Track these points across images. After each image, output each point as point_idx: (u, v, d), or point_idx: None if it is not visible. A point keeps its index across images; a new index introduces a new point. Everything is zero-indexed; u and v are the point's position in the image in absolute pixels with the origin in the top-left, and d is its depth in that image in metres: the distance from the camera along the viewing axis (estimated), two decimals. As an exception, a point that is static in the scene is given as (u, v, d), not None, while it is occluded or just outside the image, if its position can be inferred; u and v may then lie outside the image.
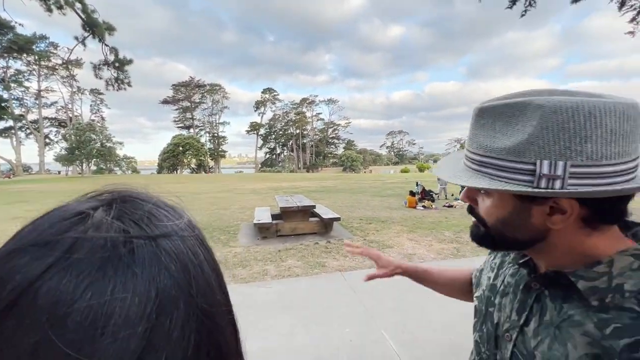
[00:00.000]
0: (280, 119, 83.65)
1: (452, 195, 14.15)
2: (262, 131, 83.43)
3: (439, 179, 14.63)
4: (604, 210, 0.45)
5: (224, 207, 11.80)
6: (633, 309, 0.42)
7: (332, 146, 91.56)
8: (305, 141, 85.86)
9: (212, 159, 73.46)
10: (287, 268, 4.62)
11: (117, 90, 14.42)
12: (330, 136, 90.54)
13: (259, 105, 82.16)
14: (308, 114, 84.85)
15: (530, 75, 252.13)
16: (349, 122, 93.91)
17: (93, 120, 61.18)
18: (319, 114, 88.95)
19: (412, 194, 11.93)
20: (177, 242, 0.25)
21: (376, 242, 6.00)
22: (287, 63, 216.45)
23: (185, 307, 0.22)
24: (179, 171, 61.99)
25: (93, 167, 55.21)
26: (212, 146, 75.12)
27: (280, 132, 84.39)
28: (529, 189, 0.43)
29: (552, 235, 0.49)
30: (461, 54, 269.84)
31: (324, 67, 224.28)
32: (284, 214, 6.67)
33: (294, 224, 6.66)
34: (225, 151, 78.92)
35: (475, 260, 4.86)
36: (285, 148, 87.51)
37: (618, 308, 0.43)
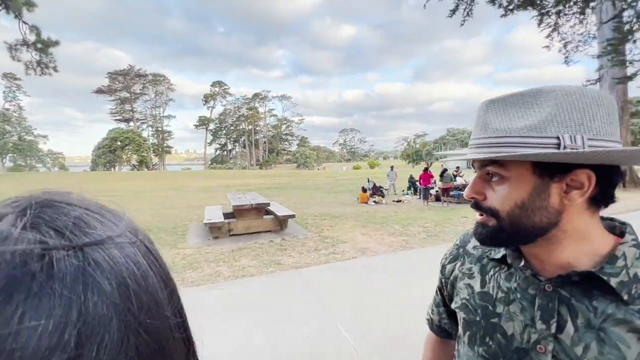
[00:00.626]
0: (231, 113, 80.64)
1: (403, 191, 14.96)
2: (211, 126, 79.69)
3: (388, 176, 15.37)
4: (612, 187, 0.49)
5: (170, 206, 11.05)
6: None
7: (286, 143, 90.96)
8: (258, 137, 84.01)
9: (156, 155, 68.28)
10: (242, 268, 4.48)
11: (41, 75, 12.61)
12: (284, 133, 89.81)
13: (208, 98, 78.22)
14: (261, 110, 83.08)
15: (467, 80, 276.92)
16: (303, 119, 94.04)
17: (8, 110, 52.80)
18: (272, 109, 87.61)
19: (364, 190, 12.36)
20: (111, 251, 0.20)
21: (331, 238, 6.10)
22: (238, 56, 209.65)
23: (121, 329, 0.18)
24: (117, 168, 56.55)
25: (9, 164, 47.82)
26: (155, 141, 69.77)
27: (232, 128, 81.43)
28: (566, 150, 0.45)
29: (564, 221, 0.50)
30: (408, 57, 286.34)
31: (277, 62, 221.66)
32: (237, 213, 6.45)
33: (248, 222, 6.48)
34: (170, 147, 73.94)
35: (423, 252, 5.20)
36: (237, 144, 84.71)
37: None
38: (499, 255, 0.60)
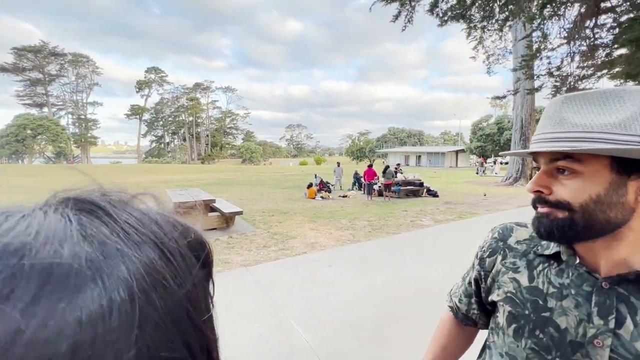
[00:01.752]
0: (169, 103, 74.60)
1: (354, 187, 15.47)
2: (146, 116, 72.85)
3: (334, 172, 15.78)
4: None
5: (97, 204, 9.88)
6: None
7: (230, 137, 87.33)
8: (199, 130, 79.21)
9: (77, 147, 60.21)
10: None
11: None
12: (228, 126, 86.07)
13: (142, 86, 71.23)
14: (203, 101, 78.38)
15: (406, 82, 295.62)
16: (248, 113, 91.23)
17: None
18: (215, 101, 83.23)
19: (310, 185, 12.52)
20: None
21: (280, 234, 6.07)
22: (176, 42, 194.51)
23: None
24: (26, 160, 48.58)
25: None
26: (77, 131, 61.45)
27: (170, 119, 75.45)
28: None
29: (635, 219, 0.51)
30: (352, 56, 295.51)
31: (221, 52, 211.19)
32: (179, 211, 6.04)
33: (191, 220, 6.10)
34: (96, 137, 65.82)
35: (368, 245, 5.48)
36: (175, 137, 78.83)
37: None
38: (548, 252, 0.62)
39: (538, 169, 0.59)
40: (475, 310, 0.78)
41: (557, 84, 8.85)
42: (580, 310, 0.55)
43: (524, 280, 0.63)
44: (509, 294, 0.64)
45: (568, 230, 0.53)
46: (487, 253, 0.71)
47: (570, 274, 0.58)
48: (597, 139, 0.49)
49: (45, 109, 57.87)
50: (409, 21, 10.68)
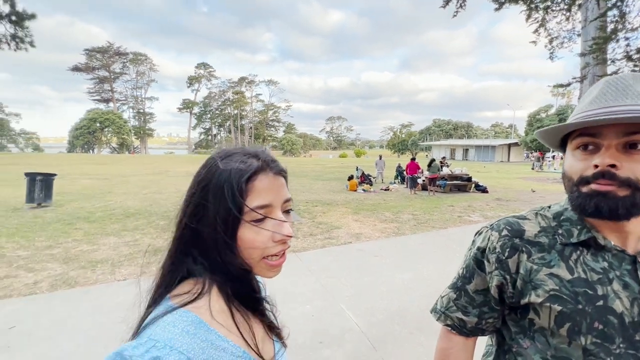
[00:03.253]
0: (216, 97, 78.46)
1: (397, 181, 15.23)
2: (196, 110, 77.43)
3: (376, 164, 15.59)
4: None
5: (157, 190, 10.89)
6: None
7: (272, 129, 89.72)
8: (244, 123, 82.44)
9: (137, 138, 66.04)
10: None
11: (16, 50, 11.86)
12: (271, 118, 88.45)
13: (192, 81, 75.69)
14: (247, 94, 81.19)
15: (452, 71, 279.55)
16: (290, 105, 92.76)
17: (-26, 85, 49.32)
18: (258, 94, 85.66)
19: (351, 177, 12.54)
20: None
21: (324, 224, 6.24)
22: (222, 38, 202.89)
23: None
24: (95, 151, 54.49)
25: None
26: (137, 123, 67.35)
27: (217, 112, 79.44)
28: None
29: None
30: (394, 46, 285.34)
31: (264, 46, 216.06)
32: (231, 198, 6.47)
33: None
34: (153, 130, 71.52)
35: (413, 238, 5.43)
36: (222, 129, 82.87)
37: None
38: (575, 239, 0.61)
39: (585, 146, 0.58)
40: (492, 318, 0.69)
41: (637, 68, 7.84)
42: (631, 290, 0.55)
43: (564, 273, 0.59)
44: (552, 292, 0.59)
45: (631, 209, 0.53)
46: (507, 253, 0.64)
47: (606, 256, 0.58)
48: None
49: (111, 104, 64.26)
50: (461, 6, 10.09)
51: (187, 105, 75.50)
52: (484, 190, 11.94)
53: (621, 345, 0.55)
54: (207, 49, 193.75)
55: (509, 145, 45.29)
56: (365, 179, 13.64)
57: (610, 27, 7.72)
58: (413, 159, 11.81)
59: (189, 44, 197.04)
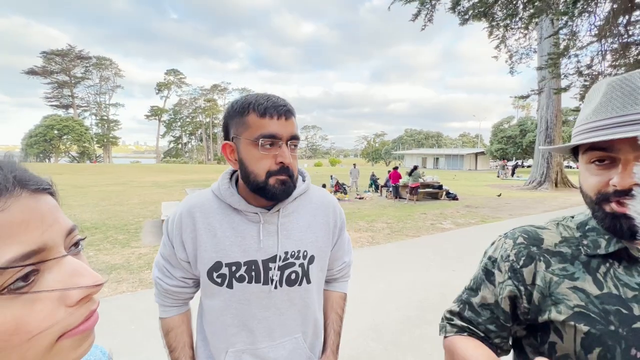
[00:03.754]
0: (187, 105, 76.36)
1: (371, 189, 15.34)
2: (165, 117, 74.80)
3: (351, 173, 15.67)
4: None
5: (118, 202, 10.18)
6: None
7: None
8: (216, 131, 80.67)
9: (100, 147, 62.47)
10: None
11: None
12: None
13: (161, 87, 73.21)
14: (220, 102, 79.77)
15: (420, 83, 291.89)
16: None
17: None
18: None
19: (324, 186, 12.48)
20: None
21: (297, 234, 6.04)
22: (193, 45, 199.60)
23: None
24: (52, 160, 50.75)
25: None
26: (100, 131, 63.79)
27: (188, 120, 77.19)
28: None
29: None
30: (365, 58, 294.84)
31: (236, 54, 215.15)
32: (199, 209, 6.11)
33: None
34: (118, 138, 67.92)
35: (388, 247, 5.37)
36: (193, 137, 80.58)
37: None
38: (603, 251, 0.53)
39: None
40: (499, 338, 0.61)
41: (587, 83, 8.47)
42: None
43: (591, 288, 0.52)
44: (577, 309, 0.51)
45: None
46: (522, 262, 0.58)
47: (635, 267, 0.51)
48: None
49: (71, 110, 60.41)
50: (429, 20, 10.50)
51: (155, 112, 72.72)
52: (454, 197, 12.30)
53: None
54: (177, 56, 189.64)
55: (476, 154, 47.65)
56: (339, 187, 13.61)
57: (563, 44, 8.31)
58: (396, 168, 12.03)
59: (157, 50, 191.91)
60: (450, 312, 0.68)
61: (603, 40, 8.07)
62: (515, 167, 30.26)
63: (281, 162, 0.74)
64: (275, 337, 0.83)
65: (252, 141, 0.73)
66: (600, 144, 0.50)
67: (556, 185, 16.01)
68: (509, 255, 0.60)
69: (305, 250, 0.83)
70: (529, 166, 26.89)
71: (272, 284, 0.80)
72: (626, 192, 0.48)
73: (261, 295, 0.81)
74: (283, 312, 0.83)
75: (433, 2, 10.00)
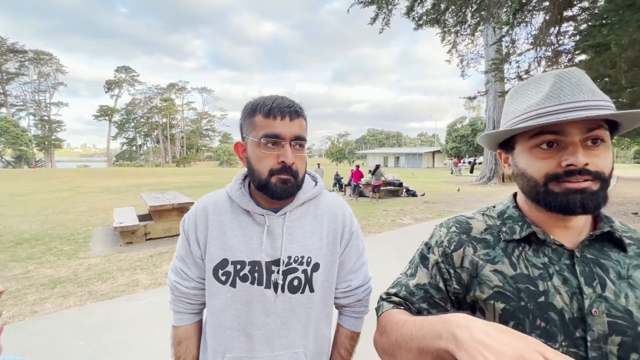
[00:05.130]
0: (141, 104, 71.72)
1: (335, 189, 15.51)
2: (116, 117, 69.64)
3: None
4: None
5: (64, 210, 9.33)
6: (634, 242, 0.60)
7: (207, 139, 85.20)
8: (174, 132, 76.75)
9: (40, 150, 56.64)
10: (164, 274, 4.06)
11: None
12: (205, 128, 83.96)
13: (112, 86, 68.03)
14: (178, 102, 76.00)
15: (381, 85, 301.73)
16: (226, 114, 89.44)
17: None
18: (191, 102, 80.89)
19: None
20: None
21: (262, 236, 5.97)
22: (146, 42, 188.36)
23: None
24: (-18, 165, 45.09)
25: None
26: (40, 133, 57.80)
27: (142, 120, 72.55)
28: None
29: None
30: (327, 60, 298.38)
31: (193, 52, 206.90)
32: (155, 214, 5.81)
33: (168, 224, 5.90)
34: (61, 140, 62.05)
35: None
36: (149, 139, 75.92)
37: (634, 244, 0.59)
38: (517, 236, 0.60)
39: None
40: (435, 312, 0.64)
41: (526, 87, 9.33)
42: (570, 285, 0.55)
43: (507, 270, 0.58)
44: (496, 289, 0.58)
45: (602, 201, 0.54)
46: (452, 247, 0.64)
47: (546, 251, 0.58)
48: (612, 107, 0.53)
49: (4, 110, 54.00)
50: (386, 24, 10.89)
51: (105, 112, 67.44)
52: (413, 194, 12.89)
53: (563, 344, 0.53)
54: (128, 53, 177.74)
55: (433, 153, 50.29)
56: (304, 187, 13.66)
57: (505, 50, 9.08)
58: (357, 167, 12.27)
59: (106, 46, 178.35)
60: (387, 293, 0.71)
61: (538, 48, 8.95)
62: (473, 163, 32.48)
63: (283, 162, 0.76)
64: (274, 348, 0.81)
65: (257, 140, 0.76)
66: (551, 127, 0.55)
67: (503, 180, 17.47)
68: (442, 242, 0.66)
69: (309, 257, 0.82)
70: (479, 163, 29.02)
71: (274, 288, 0.80)
72: (578, 171, 0.53)
73: (263, 299, 0.80)
74: (284, 321, 0.81)
75: (390, 7, 10.40)
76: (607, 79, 8.19)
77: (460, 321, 0.45)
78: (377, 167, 11.98)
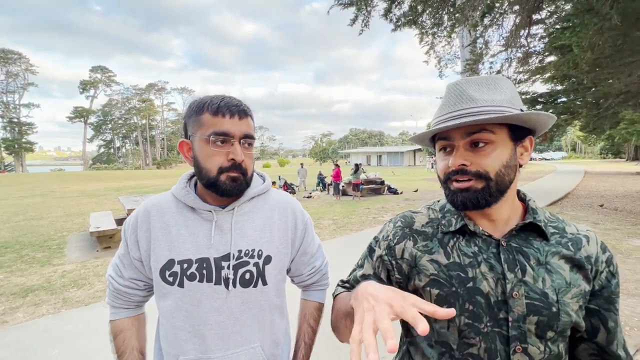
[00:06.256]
0: (119, 105, 69.41)
1: (318, 188, 15.56)
2: (92, 119, 67.06)
3: (298, 173, 15.78)
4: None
5: (36, 216, 8.97)
6: (558, 231, 0.65)
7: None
8: (154, 133, 74.70)
9: (10, 154, 53.86)
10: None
11: None
12: (184, 135, 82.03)
13: (87, 86, 65.48)
14: (157, 103, 74.02)
15: (361, 85, 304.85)
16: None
17: None
18: (171, 103, 78.93)
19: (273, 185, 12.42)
20: None
21: (244, 237, 5.96)
22: (123, 41, 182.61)
23: None
24: (-55, 171, 42.42)
25: None
26: (9, 135, 54.93)
27: (120, 122, 70.24)
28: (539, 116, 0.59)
29: (515, 179, 0.63)
30: (309, 60, 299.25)
31: (172, 52, 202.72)
32: (134, 218, 5.68)
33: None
34: (32, 143, 59.10)
35: (332, 243, 5.58)
36: (127, 141, 73.57)
37: (558, 234, 0.65)
38: (453, 228, 0.66)
39: (444, 149, 0.65)
40: None
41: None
42: (495, 271, 0.61)
43: (442, 259, 0.64)
44: (432, 277, 0.64)
45: (489, 197, 0.60)
46: (395, 241, 0.70)
47: (477, 241, 0.64)
48: (499, 111, 0.58)
49: (-32, 112, 51.02)
50: (365, 25, 11.04)
51: (80, 113, 64.81)
52: (395, 192, 13.14)
53: (488, 324, 0.59)
54: (104, 52, 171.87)
55: (414, 152, 51.25)
56: (288, 187, 13.66)
57: (479, 52, 9.41)
58: (337, 166, 12.32)
59: (79, 45, 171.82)
60: (342, 280, 0.80)
61: (509, 50, 9.32)
62: None
63: (232, 159, 0.76)
64: (229, 346, 0.79)
65: (205, 138, 0.76)
66: (443, 133, 0.63)
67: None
68: (388, 236, 0.73)
69: (260, 250, 0.82)
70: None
71: (225, 284, 0.78)
72: (457, 172, 0.61)
73: (214, 296, 0.78)
74: (238, 316, 0.80)
75: (369, 9, 10.56)
76: (573, 79, 8.65)
77: (361, 284, 0.54)
78: (357, 166, 12.13)
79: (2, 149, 50.52)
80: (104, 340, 2.62)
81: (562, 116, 10.15)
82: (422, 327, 0.39)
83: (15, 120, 55.92)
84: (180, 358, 0.79)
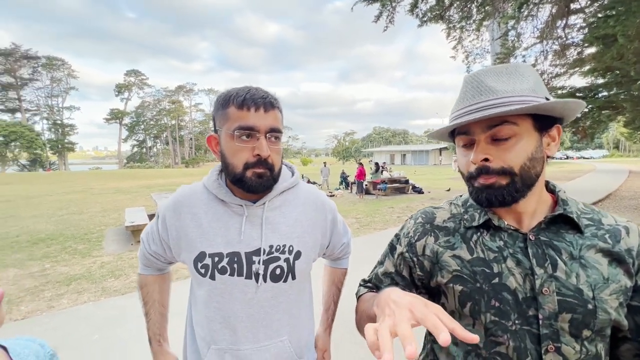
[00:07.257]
0: (150, 107, 72.79)
1: (341, 187, 15.55)
2: (127, 120, 70.81)
3: (321, 172, 15.83)
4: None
5: (77, 211, 9.61)
6: (593, 223, 0.61)
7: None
8: (183, 133, 77.68)
9: (54, 153, 58.02)
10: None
11: None
12: (212, 129, 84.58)
13: (122, 89, 69.22)
14: (186, 104, 76.87)
15: (385, 82, 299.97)
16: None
17: None
18: (199, 104, 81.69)
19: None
20: None
21: (268, 234, 6.07)
22: (153, 45, 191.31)
23: None
24: (-1, 169, 46.43)
25: None
26: (53, 136, 59.18)
27: (152, 123, 73.62)
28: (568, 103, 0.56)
29: (543, 171, 0.60)
30: (331, 59, 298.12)
31: (199, 55, 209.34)
32: (165, 213, 5.96)
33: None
34: (74, 143, 63.39)
35: (355, 241, 5.56)
36: (158, 141, 77.02)
37: (593, 225, 0.61)
38: (476, 222, 0.64)
39: (466, 146, 0.61)
40: None
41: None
42: (523, 266, 0.58)
43: (465, 254, 0.62)
44: (455, 273, 0.62)
45: (515, 193, 0.57)
46: (416, 237, 0.69)
47: (503, 236, 0.61)
48: (522, 101, 0.54)
49: (19, 115, 55.48)
50: (390, 21, 10.86)
51: (115, 115, 68.63)
52: (420, 191, 12.85)
53: (517, 322, 0.56)
54: (136, 56, 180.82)
55: (440, 150, 49.77)
56: (310, 186, 13.75)
57: (509, 45, 8.98)
58: (360, 165, 12.27)
59: (114, 50, 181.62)
60: (363, 280, 0.79)
61: (544, 42, 8.82)
62: None
63: (258, 155, 0.74)
64: (259, 339, 0.81)
65: (230, 133, 0.74)
66: (462, 128, 0.60)
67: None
68: (409, 232, 0.71)
69: (291, 245, 0.82)
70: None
71: (255, 278, 0.79)
72: (481, 170, 0.57)
73: (244, 290, 0.79)
74: (267, 310, 0.81)
75: (394, 4, 10.38)
76: (617, 72, 8.04)
77: (384, 291, 0.53)
78: (377, 165, 11.98)
79: (48, 148, 54.42)
80: (139, 328, 2.78)
81: (604, 112, 9.47)
82: (443, 337, 0.38)
83: (59, 122, 60.18)
84: (212, 346, 0.81)
